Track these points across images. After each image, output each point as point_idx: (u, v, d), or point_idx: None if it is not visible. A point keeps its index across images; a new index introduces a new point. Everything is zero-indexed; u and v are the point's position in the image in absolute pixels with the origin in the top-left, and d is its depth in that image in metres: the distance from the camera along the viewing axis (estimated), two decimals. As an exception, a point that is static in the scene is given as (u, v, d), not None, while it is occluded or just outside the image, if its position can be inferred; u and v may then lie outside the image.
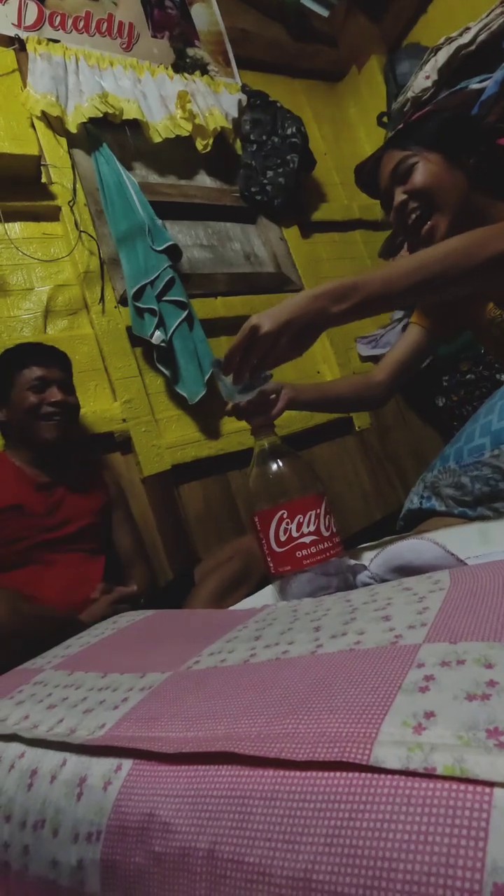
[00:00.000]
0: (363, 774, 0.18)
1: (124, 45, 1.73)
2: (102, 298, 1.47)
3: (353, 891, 0.17)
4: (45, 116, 1.50)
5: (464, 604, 0.30)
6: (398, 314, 1.92)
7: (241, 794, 0.21)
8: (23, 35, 1.52)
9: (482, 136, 0.82)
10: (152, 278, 1.46)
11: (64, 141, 1.53)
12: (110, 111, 1.57)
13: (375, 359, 1.90)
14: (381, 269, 0.59)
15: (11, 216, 1.42)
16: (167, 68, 1.77)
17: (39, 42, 1.52)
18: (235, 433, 1.58)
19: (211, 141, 1.76)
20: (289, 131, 1.86)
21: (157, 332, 1.45)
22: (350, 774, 0.19)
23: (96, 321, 1.46)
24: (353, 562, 0.54)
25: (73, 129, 1.52)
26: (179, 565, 1.35)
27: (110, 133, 1.62)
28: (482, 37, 1.62)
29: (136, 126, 1.67)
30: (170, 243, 1.52)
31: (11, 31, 1.52)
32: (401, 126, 0.88)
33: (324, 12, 2.34)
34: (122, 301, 1.51)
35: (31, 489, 1.08)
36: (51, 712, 0.33)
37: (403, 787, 0.17)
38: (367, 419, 1.90)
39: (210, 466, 1.54)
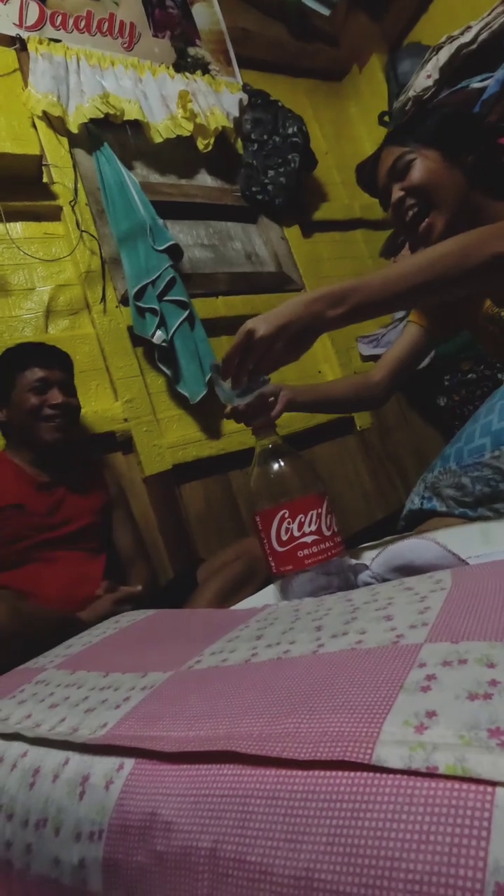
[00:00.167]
0: (365, 774, 0.18)
1: (125, 45, 1.73)
2: (104, 298, 1.47)
3: (355, 890, 0.17)
4: (46, 116, 1.50)
5: (465, 603, 0.30)
6: (400, 313, 1.91)
7: (243, 794, 0.21)
8: (24, 35, 1.52)
9: (482, 135, 0.82)
10: (153, 278, 1.46)
11: (65, 140, 1.53)
12: (111, 112, 1.57)
13: (377, 358, 1.89)
14: (378, 272, 0.59)
15: (13, 216, 1.42)
16: (168, 68, 1.77)
17: (41, 42, 1.52)
18: (236, 433, 1.58)
19: (212, 140, 1.76)
20: (290, 130, 1.86)
21: (159, 332, 1.45)
22: (352, 774, 0.19)
23: (97, 321, 1.46)
24: (354, 561, 0.54)
25: (74, 129, 1.52)
26: (180, 565, 1.35)
27: (111, 132, 1.62)
28: (483, 35, 1.62)
29: (138, 126, 1.67)
30: (171, 243, 1.52)
31: (13, 31, 1.52)
32: (399, 124, 0.88)
33: (325, 11, 2.34)
34: (124, 301, 1.51)
35: (32, 489, 1.09)
36: (53, 711, 0.33)
37: (405, 786, 0.17)
38: (369, 419, 1.90)
39: (211, 466, 1.54)
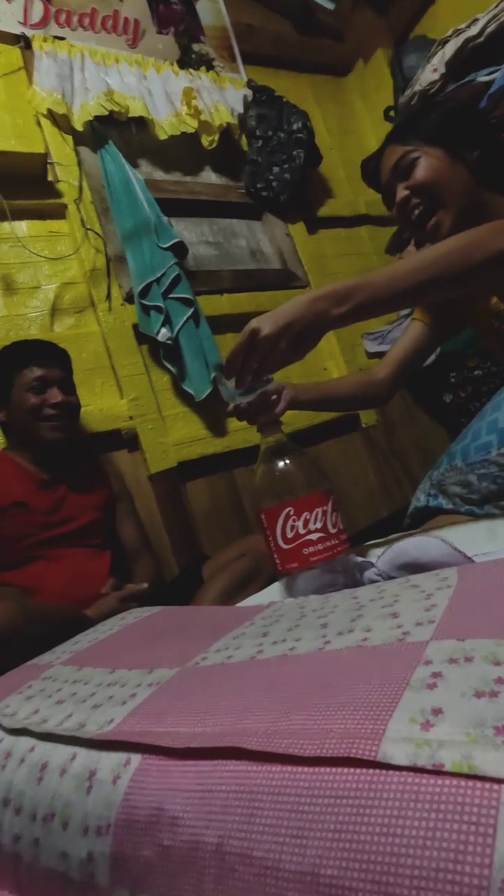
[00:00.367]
0: (371, 771, 0.19)
1: (130, 42, 1.72)
2: (109, 296, 1.48)
3: (361, 886, 0.17)
4: (51, 114, 1.50)
5: (471, 601, 0.30)
6: (405, 310, 1.91)
7: (249, 790, 0.21)
8: (29, 33, 1.52)
9: (487, 130, 0.81)
10: (158, 275, 1.46)
11: (70, 138, 1.53)
12: (116, 109, 1.57)
13: (382, 355, 1.88)
14: (382, 269, 0.58)
15: (18, 214, 1.43)
16: (172, 64, 1.77)
17: (45, 40, 1.52)
18: (241, 430, 1.58)
19: (216, 137, 1.75)
20: (294, 126, 1.85)
21: (164, 330, 1.45)
22: (358, 771, 0.19)
23: (103, 319, 1.47)
24: (359, 559, 0.54)
25: (78, 126, 1.52)
26: (186, 562, 1.35)
27: (116, 130, 1.62)
28: (491, 28, 1.60)
29: (142, 123, 1.67)
30: (175, 240, 1.52)
31: (17, 30, 1.52)
32: (401, 120, 0.87)
33: (330, 6, 2.32)
34: (129, 298, 1.51)
35: (34, 487, 1.09)
36: (60, 707, 0.33)
37: (411, 783, 0.17)
38: (374, 416, 1.89)
39: (216, 463, 1.54)
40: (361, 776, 0.19)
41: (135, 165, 1.65)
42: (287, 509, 0.54)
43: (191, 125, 1.70)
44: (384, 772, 0.18)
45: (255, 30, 2.08)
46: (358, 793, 0.18)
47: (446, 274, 0.57)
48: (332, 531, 0.55)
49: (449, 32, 1.69)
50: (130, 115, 1.62)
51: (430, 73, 1.74)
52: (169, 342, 1.46)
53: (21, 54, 1.53)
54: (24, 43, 1.52)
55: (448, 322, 0.95)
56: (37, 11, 1.55)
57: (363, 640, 0.28)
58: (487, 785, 0.16)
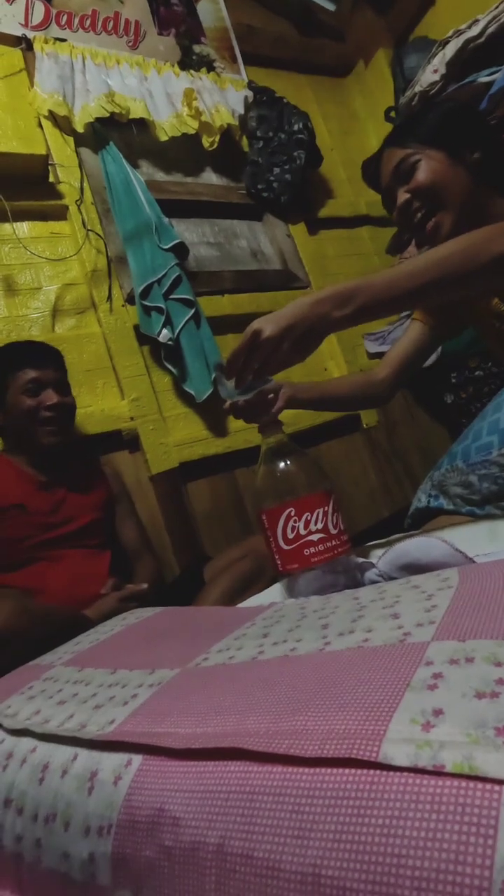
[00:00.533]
0: (372, 771, 0.19)
1: (130, 43, 1.73)
2: (110, 297, 1.48)
3: (362, 886, 0.17)
4: (52, 116, 1.50)
5: (472, 602, 0.30)
6: (406, 311, 1.90)
7: (251, 790, 0.21)
8: (30, 34, 1.53)
9: (487, 131, 0.81)
10: (159, 276, 1.47)
11: (71, 140, 1.54)
12: (117, 110, 1.58)
13: (383, 356, 1.88)
14: (384, 271, 0.58)
15: (19, 215, 1.43)
16: (173, 66, 1.77)
17: (46, 41, 1.53)
18: (242, 431, 1.58)
19: (217, 138, 1.76)
20: (295, 127, 1.85)
21: (165, 331, 1.45)
22: (359, 771, 0.19)
23: (104, 320, 1.47)
24: (360, 559, 0.54)
25: (79, 128, 1.53)
26: (187, 562, 1.35)
27: (117, 131, 1.62)
28: (491, 29, 1.60)
29: (143, 124, 1.67)
30: (176, 241, 1.52)
31: (18, 31, 1.52)
32: (400, 122, 0.87)
33: (330, 6, 2.32)
34: (130, 299, 1.51)
35: (33, 488, 1.09)
36: (61, 708, 0.33)
37: (412, 784, 0.17)
38: (375, 416, 1.89)
39: (217, 464, 1.54)
40: (362, 777, 0.19)
41: (136, 166, 1.65)
42: (288, 510, 0.54)
43: (191, 126, 1.70)
44: (385, 772, 0.18)
45: (255, 31, 2.08)
46: (359, 793, 0.18)
47: (448, 276, 0.57)
48: (333, 532, 0.55)
49: (449, 33, 1.69)
50: (131, 116, 1.62)
51: (430, 73, 1.74)
52: (170, 343, 1.46)
53: (22, 56, 1.53)
54: (25, 44, 1.53)
55: (449, 322, 0.95)
56: (38, 13, 1.56)
57: (364, 641, 0.28)
58: (488, 786, 0.16)
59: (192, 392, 1.49)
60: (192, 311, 1.50)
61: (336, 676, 0.25)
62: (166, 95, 1.70)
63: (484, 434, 0.68)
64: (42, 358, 1.12)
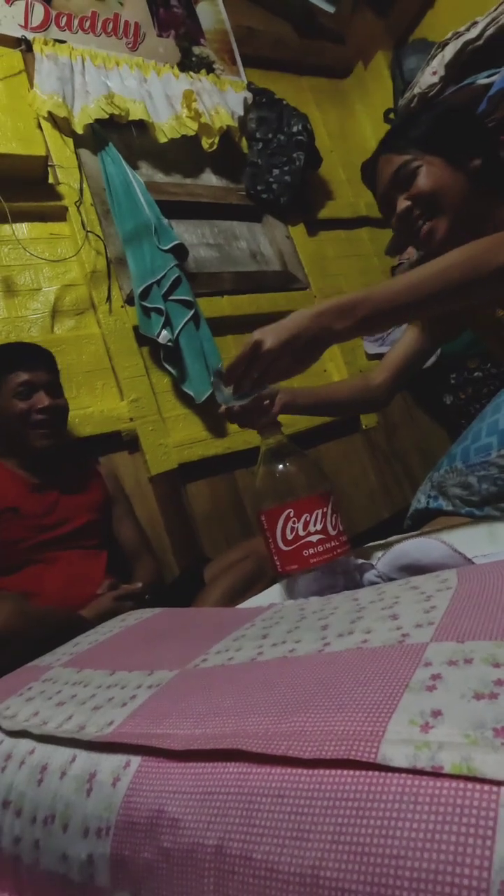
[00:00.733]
0: (370, 772, 0.19)
1: (130, 45, 1.73)
2: (109, 298, 1.48)
3: (361, 887, 0.17)
4: (51, 117, 1.51)
5: (471, 603, 0.30)
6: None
7: (249, 791, 0.21)
8: (29, 36, 1.53)
9: (483, 133, 0.80)
10: (159, 277, 1.47)
11: (70, 141, 1.54)
12: (116, 112, 1.58)
13: (383, 357, 1.89)
14: (385, 282, 0.58)
15: (19, 217, 1.43)
16: (173, 67, 1.77)
17: (46, 43, 1.53)
18: (242, 432, 1.58)
19: (217, 139, 1.76)
20: (295, 129, 1.86)
21: (164, 332, 1.45)
22: (357, 772, 0.19)
23: (103, 321, 1.47)
24: (360, 560, 0.54)
25: (79, 129, 1.53)
26: (187, 563, 1.35)
27: (116, 132, 1.63)
28: (490, 31, 1.60)
29: (142, 126, 1.67)
30: (176, 242, 1.52)
31: (18, 33, 1.52)
32: (393, 126, 0.86)
33: (330, 8, 2.32)
34: (129, 300, 1.51)
35: (27, 491, 1.08)
36: (60, 709, 0.33)
37: (411, 785, 0.17)
38: (375, 417, 1.89)
39: (217, 465, 1.54)
40: (361, 778, 0.19)
41: (135, 168, 1.65)
42: (287, 511, 0.54)
43: (191, 128, 1.71)
44: (384, 774, 0.18)
45: (255, 32, 2.09)
46: (357, 794, 0.18)
47: (449, 287, 0.57)
48: (333, 533, 0.55)
49: (448, 35, 1.70)
50: (131, 117, 1.62)
51: (429, 75, 1.74)
52: (169, 344, 1.46)
53: (22, 57, 1.53)
54: (24, 46, 1.53)
55: (447, 326, 0.95)
56: (37, 14, 1.56)
57: (363, 642, 0.28)
58: (487, 787, 0.16)
59: (192, 393, 1.50)
60: (192, 312, 1.50)
61: (335, 677, 0.25)
62: (166, 97, 1.70)
63: (483, 435, 0.68)
64: (33, 360, 1.11)
